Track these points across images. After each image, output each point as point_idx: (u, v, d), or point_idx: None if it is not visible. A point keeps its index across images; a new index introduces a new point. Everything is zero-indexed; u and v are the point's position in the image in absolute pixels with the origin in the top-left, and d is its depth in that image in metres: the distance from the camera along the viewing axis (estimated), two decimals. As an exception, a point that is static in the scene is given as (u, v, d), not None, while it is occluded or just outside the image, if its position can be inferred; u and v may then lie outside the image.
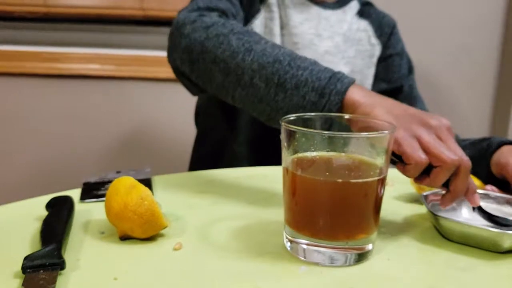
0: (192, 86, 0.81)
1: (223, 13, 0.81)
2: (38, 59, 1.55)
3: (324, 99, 0.59)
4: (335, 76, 0.60)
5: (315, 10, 0.99)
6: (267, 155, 0.99)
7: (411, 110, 0.56)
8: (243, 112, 0.96)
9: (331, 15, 1.00)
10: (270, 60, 0.64)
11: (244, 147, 0.98)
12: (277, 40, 0.95)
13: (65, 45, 1.56)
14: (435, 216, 0.52)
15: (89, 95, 1.59)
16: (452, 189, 0.52)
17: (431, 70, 1.65)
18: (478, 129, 1.69)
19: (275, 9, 0.96)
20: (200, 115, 1.10)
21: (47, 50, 1.56)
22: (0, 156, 1.62)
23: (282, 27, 0.96)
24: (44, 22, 1.56)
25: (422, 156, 0.50)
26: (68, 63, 1.54)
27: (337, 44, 0.99)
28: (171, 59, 0.79)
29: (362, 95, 0.58)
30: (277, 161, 0.97)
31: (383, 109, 0.55)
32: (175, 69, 0.80)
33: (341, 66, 1.00)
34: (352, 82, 0.59)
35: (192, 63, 0.73)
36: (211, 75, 0.70)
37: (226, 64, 0.67)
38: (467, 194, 0.54)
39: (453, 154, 0.50)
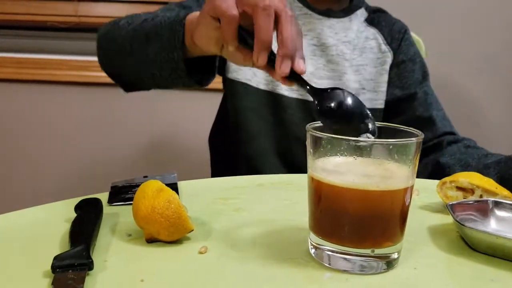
0: (120, 82, 0.88)
1: None
2: (68, 67, 1.59)
3: (173, 31, 0.65)
4: (183, 12, 0.67)
5: (319, 20, 0.99)
6: (275, 168, 0.99)
7: None
8: (245, 128, 0.99)
9: (336, 23, 1.00)
10: (139, 22, 0.74)
11: (253, 161, 1.00)
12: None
13: (94, 54, 1.60)
14: (462, 226, 0.51)
15: (116, 102, 1.62)
16: (279, 38, 0.51)
17: (454, 80, 1.62)
18: (502, 141, 1.65)
19: None
20: (212, 137, 1.13)
21: (76, 59, 1.60)
22: (31, 161, 1.67)
23: None
24: (75, 32, 1.61)
25: (229, 3, 0.50)
26: (96, 72, 1.58)
27: (341, 52, 0.99)
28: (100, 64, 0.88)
29: (196, 14, 0.61)
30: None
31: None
32: (106, 73, 0.88)
33: (349, 75, 0.99)
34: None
35: (107, 57, 0.84)
36: (115, 61, 0.81)
37: (117, 44, 0.78)
38: (294, 57, 0.52)
39: (268, 1, 0.49)
